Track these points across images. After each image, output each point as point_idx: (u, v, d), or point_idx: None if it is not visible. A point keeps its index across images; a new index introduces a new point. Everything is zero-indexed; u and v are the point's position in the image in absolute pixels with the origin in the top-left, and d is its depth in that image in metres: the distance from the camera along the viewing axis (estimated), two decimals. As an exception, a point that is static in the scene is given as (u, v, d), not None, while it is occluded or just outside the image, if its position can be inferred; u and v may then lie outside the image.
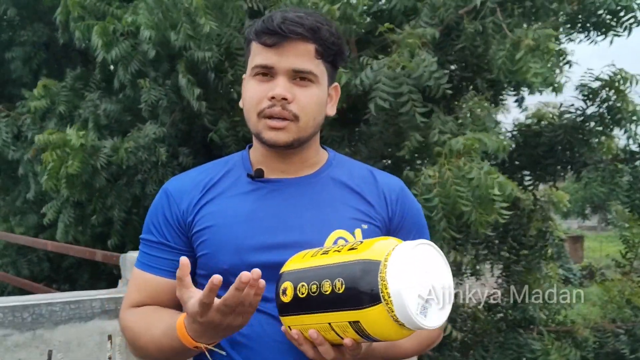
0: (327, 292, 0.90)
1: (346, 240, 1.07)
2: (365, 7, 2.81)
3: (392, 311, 0.84)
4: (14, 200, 4.93)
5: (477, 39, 2.80)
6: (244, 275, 0.87)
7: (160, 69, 3.58)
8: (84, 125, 3.87)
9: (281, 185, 1.14)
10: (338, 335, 0.92)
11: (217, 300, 0.91)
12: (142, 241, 1.18)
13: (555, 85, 3.06)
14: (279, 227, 1.08)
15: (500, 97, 4.01)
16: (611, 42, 3.36)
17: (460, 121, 2.78)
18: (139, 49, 3.43)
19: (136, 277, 1.17)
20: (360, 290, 0.87)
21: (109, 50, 3.39)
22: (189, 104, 3.30)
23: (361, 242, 0.94)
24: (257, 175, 1.14)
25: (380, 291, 0.85)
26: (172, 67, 3.44)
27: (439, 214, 2.40)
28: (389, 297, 0.84)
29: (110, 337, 2.61)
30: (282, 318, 0.98)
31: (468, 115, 2.80)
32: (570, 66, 3.58)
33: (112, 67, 3.77)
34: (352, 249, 0.92)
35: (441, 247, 1.27)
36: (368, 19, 3.12)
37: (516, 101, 4.09)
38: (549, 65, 2.63)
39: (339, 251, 0.93)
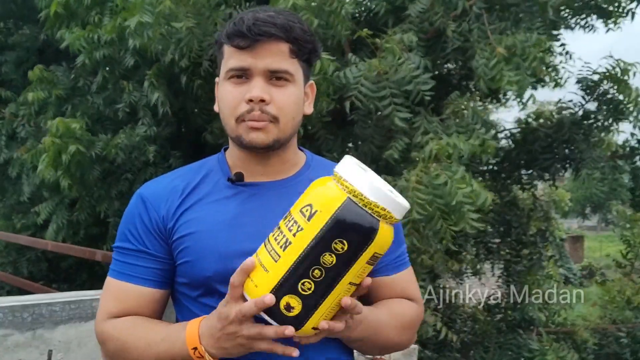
0: (333, 262, 0.86)
1: None
2: (346, 12, 2.77)
3: (393, 218, 0.87)
4: (8, 200, 4.94)
5: (465, 44, 2.79)
6: (289, 330, 0.89)
7: (138, 74, 3.60)
8: (77, 115, 3.88)
9: (262, 189, 1.12)
10: (356, 285, 0.91)
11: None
12: (117, 249, 1.13)
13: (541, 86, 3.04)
14: (262, 233, 1.03)
15: (501, 96, 4.01)
16: (615, 22, 3.32)
17: (445, 122, 2.76)
18: (120, 55, 3.48)
19: (113, 286, 1.11)
20: (363, 227, 0.85)
21: (92, 55, 3.45)
22: (180, 107, 3.33)
23: (292, 213, 0.91)
24: (237, 179, 1.11)
25: (376, 214, 0.86)
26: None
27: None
28: (384, 210, 0.86)
29: (110, 337, 2.61)
30: (300, 331, 0.90)
31: (460, 116, 2.77)
32: (570, 57, 3.56)
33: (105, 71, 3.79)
34: (308, 217, 0.88)
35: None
36: (357, 22, 3.12)
37: (517, 97, 4.07)
38: (528, 72, 2.59)
39: (299, 230, 0.88)
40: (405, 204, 0.89)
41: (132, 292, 1.09)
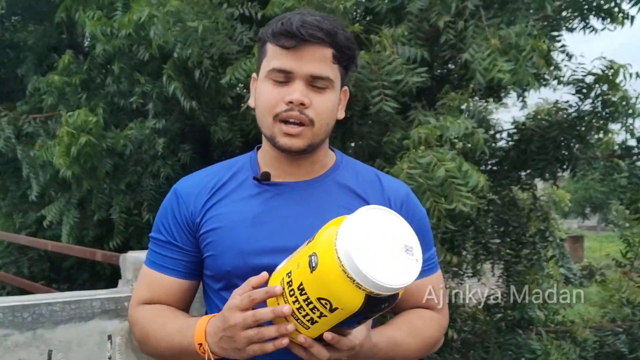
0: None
1: None
2: (345, 9, 2.77)
3: (343, 267, 0.87)
4: (11, 199, 4.94)
5: (462, 42, 2.78)
6: (290, 326, 0.95)
7: (150, 67, 3.61)
8: (93, 105, 3.89)
9: (286, 189, 1.15)
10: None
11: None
12: (151, 239, 1.20)
13: (543, 82, 3.00)
14: (282, 232, 1.09)
15: (501, 96, 4.01)
16: (622, 24, 3.30)
17: (439, 115, 2.75)
18: (135, 48, 3.48)
19: (145, 274, 1.19)
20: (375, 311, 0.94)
21: (109, 46, 3.47)
22: (201, 102, 3.34)
23: (311, 298, 0.94)
24: (263, 178, 1.15)
25: (375, 294, 0.89)
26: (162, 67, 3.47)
27: None
28: (386, 294, 0.89)
29: (110, 337, 2.61)
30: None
31: (451, 108, 2.75)
32: (570, 59, 3.55)
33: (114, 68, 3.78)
34: (330, 310, 0.92)
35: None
36: (358, 22, 3.13)
37: (519, 97, 4.08)
38: (528, 63, 2.55)
39: (322, 316, 0.93)
40: (392, 283, 0.89)
41: (160, 281, 1.16)
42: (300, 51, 1.07)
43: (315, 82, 1.09)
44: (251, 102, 1.18)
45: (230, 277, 1.08)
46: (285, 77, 1.09)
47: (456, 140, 2.57)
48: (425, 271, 1.21)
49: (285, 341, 0.94)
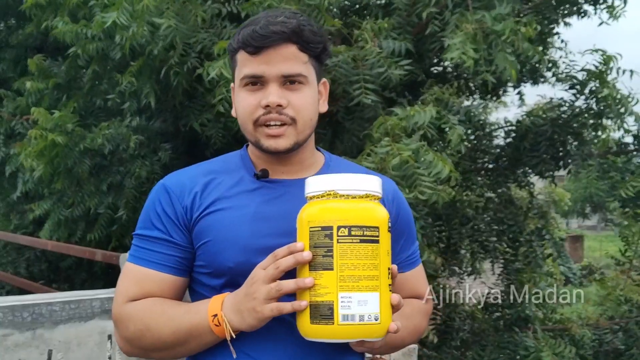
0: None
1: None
2: (329, 3, 2.75)
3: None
4: (6, 199, 4.95)
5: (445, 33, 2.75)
6: (309, 280, 0.95)
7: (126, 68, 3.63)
8: (71, 106, 3.89)
9: (285, 186, 1.14)
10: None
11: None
12: (138, 237, 1.15)
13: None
14: (284, 230, 1.08)
15: (501, 94, 4.02)
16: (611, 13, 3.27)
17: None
18: (110, 49, 3.49)
19: (133, 272, 1.13)
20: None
21: (84, 49, 3.46)
22: (174, 102, 3.33)
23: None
24: (263, 175, 1.15)
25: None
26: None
27: None
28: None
29: (110, 337, 2.62)
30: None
31: (431, 102, 2.73)
32: (565, 45, 3.54)
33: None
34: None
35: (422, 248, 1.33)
36: (347, 16, 3.13)
37: (518, 93, 4.09)
38: (509, 50, 2.49)
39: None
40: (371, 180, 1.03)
41: (152, 278, 1.12)
42: (268, 54, 1.07)
43: (288, 81, 1.09)
44: (233, 112, 1.18)
45: (233, 273, 1.06)
46: (258, 82, 1.09)
47: (431, 131, 2.52)
48: (411, 264, 1.24)
49: (304, 303, 0.95)
